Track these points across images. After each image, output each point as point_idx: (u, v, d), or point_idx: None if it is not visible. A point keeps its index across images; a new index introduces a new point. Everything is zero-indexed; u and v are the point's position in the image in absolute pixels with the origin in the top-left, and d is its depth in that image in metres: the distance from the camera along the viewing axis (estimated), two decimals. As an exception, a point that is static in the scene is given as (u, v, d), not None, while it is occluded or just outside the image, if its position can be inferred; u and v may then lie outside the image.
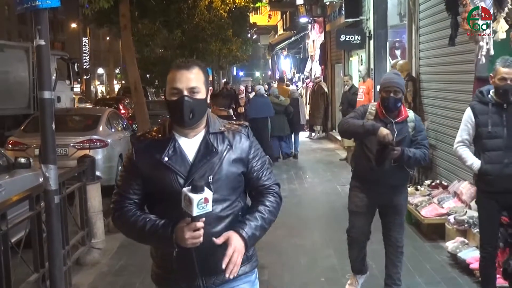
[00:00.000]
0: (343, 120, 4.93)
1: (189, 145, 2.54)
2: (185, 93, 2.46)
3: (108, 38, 60.06)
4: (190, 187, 2.29)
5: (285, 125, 13.65)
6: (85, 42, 59.84)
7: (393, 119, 4.65)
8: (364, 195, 4.83)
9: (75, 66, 19.64)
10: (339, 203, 8.79)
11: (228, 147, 2.55)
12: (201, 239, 2.37)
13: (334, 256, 6.26)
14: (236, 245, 2.42)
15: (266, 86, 21.54)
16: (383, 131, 4.47)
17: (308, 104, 18.67)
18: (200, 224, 2.33)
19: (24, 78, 14.98)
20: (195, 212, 2.26)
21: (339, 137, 15.42)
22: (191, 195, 2.25)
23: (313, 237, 7.12)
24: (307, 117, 18.39)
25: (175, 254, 2.47)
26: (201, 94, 2.51)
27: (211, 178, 2.48)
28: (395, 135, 4.53)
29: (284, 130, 13.67)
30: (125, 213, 2.53)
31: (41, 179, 4.89)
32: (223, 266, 2.38)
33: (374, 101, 11.68)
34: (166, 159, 2.49)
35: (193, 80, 2.49)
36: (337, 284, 5.49)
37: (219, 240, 2.42)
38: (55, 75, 17.33)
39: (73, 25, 58.97)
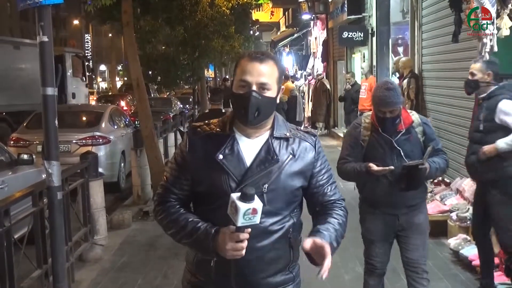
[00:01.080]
0: (339, 166, 4.11)
1: (249, 146, 2.29)
2: (254, 88, 2.21)
3: (110, 34, 60.04)
4: (239, 194, 2.05)
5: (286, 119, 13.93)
6: (87, 38, 59.87)
7: (394, 133, 3.96)
8: (379, 220, 4.11)
9: (90, 63, 19.92)
10: (341, 200, 8.77)
11: (291, 156, 2.29)
12: (243, 252, 2.12)
13: (336, 252, 6.24)
14: (331, 255, 2.18)
15: None
16: (373, 169, 3.83)
17: (310, 101, 18.65)
18: (244, 235, 2.09)
19: (39, 74, 15.16)
20: (240, 222, 2.03)
21: (341, 134, 15.42)
22: (239, 203, 2.02)
23: (315, 234, 7.12)
24: (309, 114, 18.42)
25: (213, 264, 2.26)
26: (272, 92, 2.25)
27: (266, 188, 2.23)
28: (428, 152, 3.86)
29: None
30: (167, 208, 2.33)
31: (43, 176, 4.90)
32: (323, 277, 2.11)
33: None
34: (221, 157, 2.24)
35: (266, 75, 2.23)
36: (339, 281, 5.49)
37: (307, 245, 2.15)
38: (70, 71, 17.90)
39: (75, 21, 59.00)
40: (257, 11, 29.30)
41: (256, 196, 2.04)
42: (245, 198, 2.03)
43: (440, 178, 7.90)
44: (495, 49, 5.41)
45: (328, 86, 17.86)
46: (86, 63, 19.70)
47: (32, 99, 14.90)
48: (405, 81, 9.16)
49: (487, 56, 5.46)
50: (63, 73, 17.28)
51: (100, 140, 10.03)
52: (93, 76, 23.88)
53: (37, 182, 5.39)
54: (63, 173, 4.50)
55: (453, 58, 7.96)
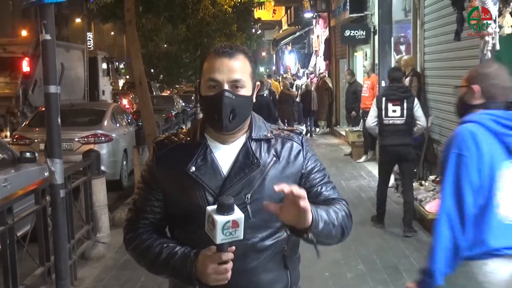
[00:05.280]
0: None
1: (225, 153, 2.00)
2: (226, 87, 1.92)
3: (112, 33, 60.11)
4: (216, 206, 1.77)
5: (292, 111, 16.57)
6: (89, 37, 59.86)
7: None
8: None
9: (115, 63, 22.73)
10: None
11: (275, 158, 1.99)
12: (229, 275, 1.81)
13: (339, 250, 6.25)
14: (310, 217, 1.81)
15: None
16: None
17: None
18: (227, 255, 1.79)
19: (81, 74, 17.68)
20: (219, 238, 1.75)
21: (343, 132, 15.43)
22: (216, 216, 1.74)
23: (317, 232, 7.12)
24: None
25: None
26: (246, 90, 1.96)
27: (249, 198, 1.93)
28: None
29: (291, 116, 16.60)
30: (139, 236, 2.03)
31: (46, 173, 4.92)
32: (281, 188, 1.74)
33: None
34: (193, 169, 1.95)
35: (237, 71, 1.94)
36: (341, 278, 5.51)
37: (278, 187, 1.76)
38: (101, 71, 20.20)
39: (78, 20, 59.02)
40: (259, 9, 29.31)
41: (235, 206, 1.77)
42: (222, 209, 1.75)
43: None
44: (497, 47, 5.40)
45: (330, 85, 17.88)
46: (112, 64, 21.78)
47: (77, 94, 16.97)
48: (407, 79, 9.16)
49: (489, 55, 5.46)
50: (95, 72, 19.32)
51: (103, 138, 10.06)
52: (118, 75, 26.37)
53: (39, 180, 5.41)
54: (65, 171, 4.51)
55: (455, 56, 7.95)
